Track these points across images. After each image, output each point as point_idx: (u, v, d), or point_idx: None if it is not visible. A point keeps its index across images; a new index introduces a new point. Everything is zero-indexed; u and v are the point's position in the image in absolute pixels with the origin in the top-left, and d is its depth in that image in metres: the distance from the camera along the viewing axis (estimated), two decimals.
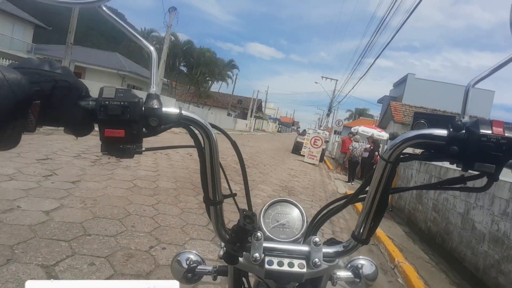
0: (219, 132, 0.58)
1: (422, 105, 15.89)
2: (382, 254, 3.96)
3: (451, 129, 0.45)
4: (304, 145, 14.89)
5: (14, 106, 0.35)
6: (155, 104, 0.44)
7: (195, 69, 30.38)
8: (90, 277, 2.07)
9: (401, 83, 23.59)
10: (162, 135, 0.48)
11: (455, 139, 0.44)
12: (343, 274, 0.68)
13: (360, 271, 0.69)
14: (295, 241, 0.61)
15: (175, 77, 29.86)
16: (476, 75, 0.49)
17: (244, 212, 0.56)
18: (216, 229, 0.60)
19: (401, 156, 0.49)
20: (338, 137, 19.90)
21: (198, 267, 0.71)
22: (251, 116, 39.44)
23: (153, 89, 0.47)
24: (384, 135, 13.31)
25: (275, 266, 0.55)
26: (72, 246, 2.39)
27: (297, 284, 0.61)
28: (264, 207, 0.66)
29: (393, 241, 4.39)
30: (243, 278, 0.70)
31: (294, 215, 0.66)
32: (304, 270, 0.55)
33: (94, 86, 0.57)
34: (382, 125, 18.77)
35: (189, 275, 0.70)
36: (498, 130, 0.42)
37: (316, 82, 32.27)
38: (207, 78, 32.98)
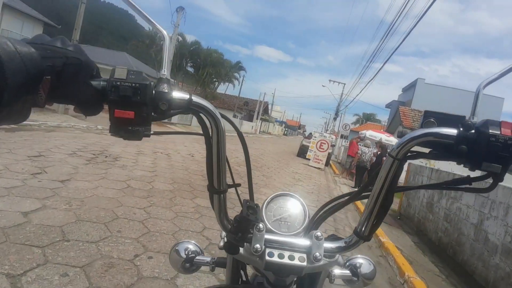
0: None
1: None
2: (391, 267, 3.67)
3: (461, 129, 0.45)
4: (309, 148, 14.57)
5: (25, 80, 0.35)
6: (165, 88, 0.44)
7: (202, 70, 30.20)
8: None
9: (410, 88, 23.15)
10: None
11: (464, 138, 0.45)
12: (341, 272, 0.68)
13: (358, 269, 0.68)
14: (296, 235, 0.60)
15: (181, 77, 29.78)
16: (487, 77, 0.50)
17: (248, 203, 0.56)
18: (218, 218, 0.60)
19: (409, 153, 0.49)
20: (345, 141, 19.57)
21: (197, 257, 0.70)
22: (257, 119, 39.15)
23: (164, 73, 0.46)
24: (392, 140, 12.93)
25: (275, 258, 0.54)
26: (45, 253, 2.14)
27: (296, 278, 0.62)
28: (267, 200, 0.65)
29: (402, 252, 4.13)
30: (241, 271, 0.69)
31: (296, 209, 0.65)
32: (305, 263, 0.54)
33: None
34: (390, 130, 18.43)
35: (187, 265, 0.70)
36: (506, 131, 0.42)
37: (323, 86, 31.72)
38: (214, 79, 32.84)
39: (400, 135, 0.50)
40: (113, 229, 2.73)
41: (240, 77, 34.80)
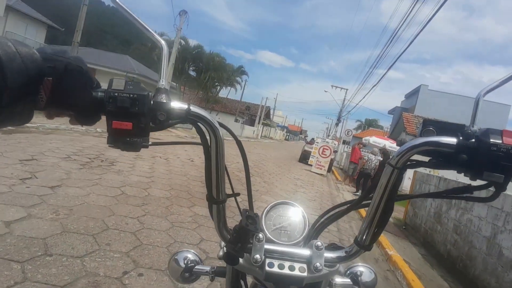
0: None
1: (435, 117, 15.25)
2: (400, 283, 3.44)
3: (461, 137, 0.45)
4: (312, 154, 14.38)
5: (26, 80, 0.35)
6: (163, 98, 0.44)
7: (204, 73, 30.08)
8: None
9: (413, 94, 22.96)
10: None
11: (464, 147, 0.44)
12: (342, 280, 0.66)
13: (359, 278, 0.68)
14: (296, 244, 0.60)
15: (184, 81, 29.69)
16: (487, 85, 0.49)
17: (247, 213, 0.55)
18: (217, 228, 0.58)
19: (408, 162, 0.49)
20: (347, 147, 19.34)
21: (196, 267, 0.71)
22: (259, 123, 38.97)
23: (163, 83, 0.47)
24: (396, 147, 12.74)
25: (275, 269, 0.53)
26: (25, 269, 1.94)
27: None
28: (266, 208, 0.64)
29: (410, 266, 3.92)
30: (241, 281, 0.68)
31: (296, 218, 0.64)
32: (305, 274, 0.53)
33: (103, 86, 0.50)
34: (393, 137, 18.24)
35: (186, 274, 0.70)
36: (508, 140, 0.42)
37: (325, 91, 31.49)
38: (216, 83, 32.71)
39: (399, 144, 0.49)
40: (102, 241, 2.52)
41: (242, 81, 34.65)
